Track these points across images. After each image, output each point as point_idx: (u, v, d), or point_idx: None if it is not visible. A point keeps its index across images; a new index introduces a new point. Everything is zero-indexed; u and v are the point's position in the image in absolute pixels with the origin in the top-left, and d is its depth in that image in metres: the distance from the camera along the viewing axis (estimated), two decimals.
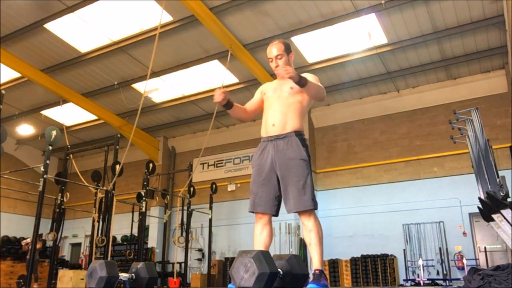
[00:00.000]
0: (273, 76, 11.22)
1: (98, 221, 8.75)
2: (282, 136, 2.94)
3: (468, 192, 9.23)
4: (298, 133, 2.96)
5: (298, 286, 2.29)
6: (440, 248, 10.16)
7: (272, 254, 2.31)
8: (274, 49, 3.24)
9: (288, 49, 3.27)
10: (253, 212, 2.99)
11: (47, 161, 7.33)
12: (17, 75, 11.50)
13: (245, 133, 14.02)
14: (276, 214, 2.99)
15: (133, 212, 11.47)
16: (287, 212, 2.96)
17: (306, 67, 10.81)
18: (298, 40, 9.87)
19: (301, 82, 2.84)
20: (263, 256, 2.13)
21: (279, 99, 3.06)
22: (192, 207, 11.37)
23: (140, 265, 3.08)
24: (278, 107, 3.02)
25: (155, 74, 11.22)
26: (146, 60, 10.31)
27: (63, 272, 9.37)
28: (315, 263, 2.82)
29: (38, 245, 11.38)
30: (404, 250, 10.48)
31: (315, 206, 2.90)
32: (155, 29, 8.88)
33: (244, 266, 2.12)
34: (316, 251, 2.80)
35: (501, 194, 4.52)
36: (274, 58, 3.24)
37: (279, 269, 2.25)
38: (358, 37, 9.67)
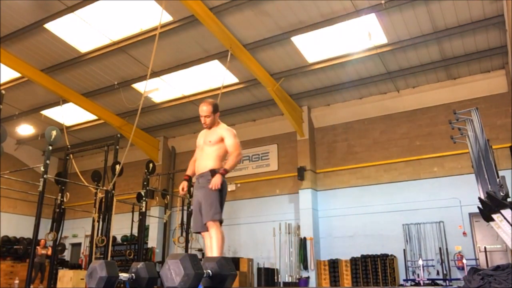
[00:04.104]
0: (273, 77, 11.26)
1: (98, 221, 8.74)
2: (203, 174, 4.05)
3: (468, 192, 9.23)
4: (213, 170, 3.99)
5: (226, 285, 2.56)
6: (440, 248, 10.16)
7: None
8: (203, 109, 4.10)
9: (216, 109, 4.15)
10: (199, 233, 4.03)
11: (47, 161, 7.34)
12: (17, 75, 11.50)
13: (245, 133, 14.01)
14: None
15: (133, 212, 11.47)
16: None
17: (306, 67, 10.82)
18: (298, 40, 9.87)
19: (224, 174, 3.89)
20: (190, 258, 2.33)
21: (203, 148, 4.19)
22: (192, 207, 11.35)
23: (140, 265, 3.08)
24: (202, 155, 4.19)
25: (155, 74, 11.22)
26: (146, 60, 10.31)
27: (63, 272, 9.37)
28: None
29: (49, 252, 11.45)
30: (404, 250, 10.47)
31: (217, 218, 3.82)
32: (155, 29, 8.88)
33: (172, 268, 2.34)
34: (214, 254, 3.74)
35: (501, 194, 4.52)
36: (203, 117, 4.11)
37: (208, 270, 2.47)
38: (358, 37, 9.67)
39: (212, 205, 3.80)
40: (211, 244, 3.75)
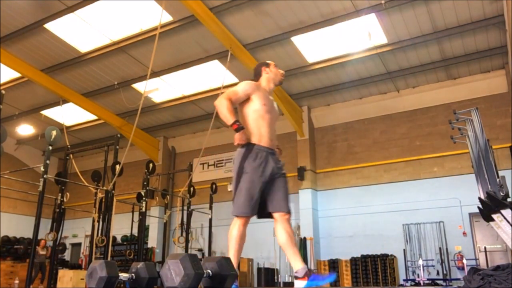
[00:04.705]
0: None
1: (98, 221, 8.73)
2: (275, 151, 3.23)
3: (468, 192, 9.24)
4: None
5: (226, 285, 2.54)
6: (440, 248, 10.16)
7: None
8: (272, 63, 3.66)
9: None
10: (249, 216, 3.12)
11: (47, 161, 7.33)
12: (17, 75, 11.50)
13: None
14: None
15: (133, 212, 11.47)
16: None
17: (306, 67, 10.81)
18: (298, 40, 9.87)
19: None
20: (190, 258, 2.34)
21: (274, 118, 3.30)
22: (192, 207, 11.36)
23: (140, 265, 3.08)
24: (273, 125, 3.27)
25: (155, 74, 11.22)
26: (146, 60, 10.31)
27: (63, 272, 9.37)
28: (301, 262, 3.09)
29: (48, 253, 11.47)
30: (404, 250, 10.47)
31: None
32: (155, 29, 8.88)
33: (172, 268, 2.32)
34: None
35: (501, 194, 4.52)
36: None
37: (208, 270, 2.43)
38: (358, 37, 9.67)
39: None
40: (287, 238, 3.07)
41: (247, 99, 3.19)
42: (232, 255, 3.13)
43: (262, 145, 3.12)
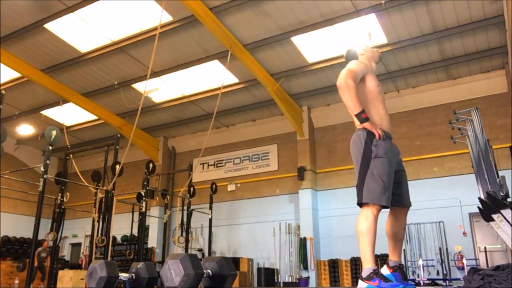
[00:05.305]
0: (273, 77, 11.25)
1: (98, 221, 8.74)
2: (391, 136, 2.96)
3: (468, 192, 9.24)
4: None
5: (226, 285, 2.52)
6: (440, 248, 10.16)
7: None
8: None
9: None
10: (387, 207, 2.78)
11: (47, 161, 7.33)
12: (17, 75, 11.50)
13: (245, 133, 14.03)
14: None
15: (133, 212, 11.47)
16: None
17: (306, 67, 10.81)
18: (298, 40, 9.87)
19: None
20: (190, 258, 2.34)
21: (384, 98, 3.06)
22: (192, 207, 11.36)
23: (140, 265, 3.08)
24: (385, 106, 3.04)
25: (155, 74, 11.22)
26: (146, 60, 10.31)
27: (63, 272, 9.37)
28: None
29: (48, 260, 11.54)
30: (404, 250, 10.47)
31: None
32: (155, 29, 8.88)
33: (172, 268, 2.33)
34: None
35: (501, 194, 4.52)
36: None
37: (208, 270, 2.45)
38: (358, 37, 9.66)
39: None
40: (401, 229, 2.95)
41: (360, 80, 2.92)
42: (369, 251, 2.63)
43: (384, 129, 2.86)
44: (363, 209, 2.76)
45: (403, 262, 10.63)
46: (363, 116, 2.76)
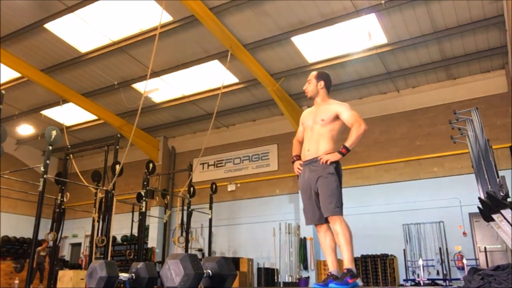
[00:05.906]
0: (273, 77, 11.25)
1: (98, 221, 8.74)
2: (316, 159, 3.56)
3: (468, 192, 9.22)
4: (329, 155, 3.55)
5: (226, 286, 2.57)
6: (440, 248, 10.16)
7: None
8: (309, 75, 3.73)
9: (321, 77, 3.69)
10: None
11: (47, 161, 7.33)
12: (17, 75, 11.50)
13: (245, 133, 14.03)
14: (326, 221, 3.51)
15: (133, 212, 11.47)
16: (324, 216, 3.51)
17: (306, 67, 10.81)
18: (298, 40, 9.87)
19: (344, 154, 3.68)
20: (190, 258, 2.36)
21: (313, 129, 3.62)
22: (192, 207, 11.37)
23: (140, 265, 3.08)
24: (312, 136, 3.61)
25: (155, 74, 11.22)
26: (146, 60, 10.31)
27: (63, 272, 9.36)
28: (344, 262, 3.28)
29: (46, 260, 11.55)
30: (404, 250, 10.47)
31: (339, 212, 3.47)
32: (155, 29, 8.88)
33: (172, 268, 2.35)
34: (344, 252, 3.27)
35: (501, 194, 4.52)
36: (306, 83, 3.72)
37: (208, 270, 2.49)
38: (358, 37, 9.67)
39: (333, 196, 3.53)
40: (338, 240, 3.34)
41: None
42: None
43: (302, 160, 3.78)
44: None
45: (403, 262, 10.68)
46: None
